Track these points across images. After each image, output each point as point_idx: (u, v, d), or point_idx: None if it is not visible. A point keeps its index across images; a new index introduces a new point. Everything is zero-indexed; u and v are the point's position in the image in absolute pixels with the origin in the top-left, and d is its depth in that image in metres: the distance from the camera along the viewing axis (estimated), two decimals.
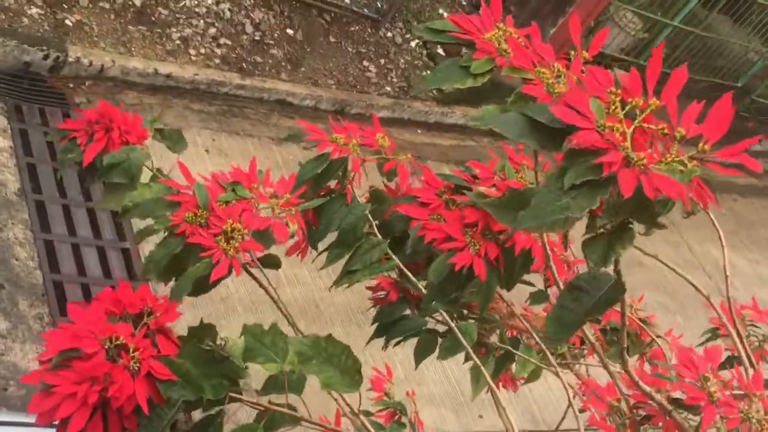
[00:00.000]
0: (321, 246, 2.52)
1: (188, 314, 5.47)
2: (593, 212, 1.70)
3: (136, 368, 1.90)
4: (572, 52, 1.92)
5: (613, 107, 1.61)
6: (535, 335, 2.72)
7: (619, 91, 1.63)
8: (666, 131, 1.59)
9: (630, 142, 1.56)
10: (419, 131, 8.68)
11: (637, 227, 1.78)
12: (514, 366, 2.97)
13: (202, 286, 2.20)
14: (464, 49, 2.05)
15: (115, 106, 2.61)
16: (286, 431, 2.07)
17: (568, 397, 2.68)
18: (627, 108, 1.61)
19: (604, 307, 1.82)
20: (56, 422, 1.93)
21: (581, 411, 2.48)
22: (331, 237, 2.49)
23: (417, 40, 9.23)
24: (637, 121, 1.60)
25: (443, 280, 2.25)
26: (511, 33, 2.02)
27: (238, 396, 1.98)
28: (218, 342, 2.08)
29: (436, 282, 2.25)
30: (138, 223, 2.44)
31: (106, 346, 1.92)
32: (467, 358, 2.64)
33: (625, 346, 2.10)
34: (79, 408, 1.87)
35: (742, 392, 2.05)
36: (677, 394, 2.06)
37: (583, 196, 1.56)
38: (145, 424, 1.93)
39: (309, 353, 2.04)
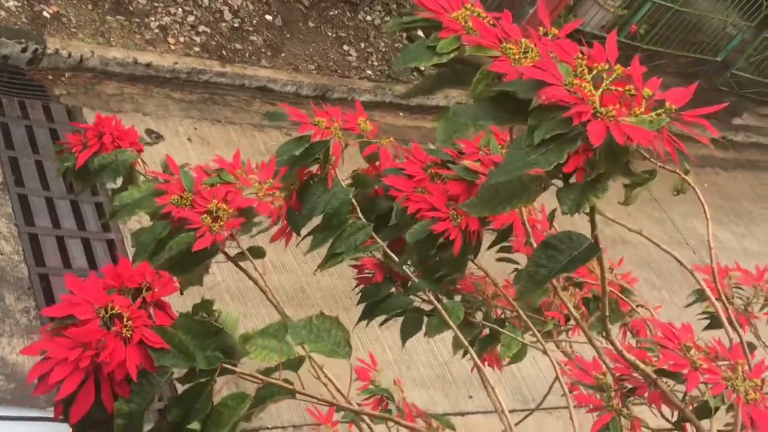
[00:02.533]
0: (304, 231, 2.54)
1: (175, 303, 5.48)
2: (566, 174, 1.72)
3: (129, 335, 1.93)
4: (540, 29, 1.92)
5: (580, 70, 1.64)
6: (520, 312, 2.73)
7: (585, 58, 1.66)
8: (633, 92, 1.63)
9: (598, 100, 1.59)
10: (401, 114, 8.68)
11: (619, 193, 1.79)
12: (499, 347, 2.99)
13: (187, 261, 2.21)
14: None
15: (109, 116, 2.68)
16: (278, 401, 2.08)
17: (556, 373, 2.70)
18: (593, 73, 1.64)
19: (578, 263, 1.83)
20: (50, 413, 1.96)
21: (571, 392, 2.50)
22: (315, 222, 2.50)
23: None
24: (605, 82, 1.63)
25: (419, 242, 2.28)
26: (479, 12, 2.02)
27: (231, 367, 1.99)
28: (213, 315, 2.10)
29: (413, 242, 2.28)
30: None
31: (101, 315, 1.96)
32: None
33: (607, 314, 2.11)
34: (71, 373, 1.91)
35: (725, 361, 2.08)
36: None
37: (551, 151, 1.58)
38: (136, 390, 1.96)
39: (302, 333, 2.06)
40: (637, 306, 3.07)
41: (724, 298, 2.51)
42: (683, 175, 2.10)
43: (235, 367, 2.00)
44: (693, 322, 2.84)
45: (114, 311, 1.96)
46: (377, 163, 2.57)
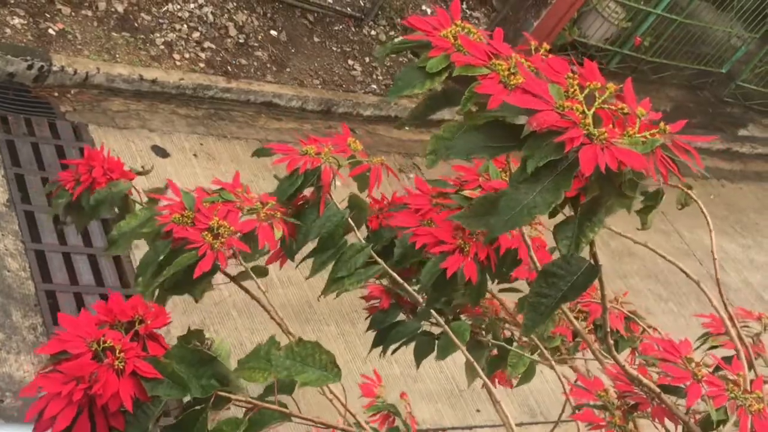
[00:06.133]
0: (300, 254, 2.55)
1: (181, 320, 5.48)
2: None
3: (121, 367, 1.94)
4: (532, 44, 1.91)
5: (572, 90, 1.62)
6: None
7: (576, 76, 1.65)
8: (627, 110, 1.62)
9: (592, 120, 1.58)
10: (407, 128, 8.69)
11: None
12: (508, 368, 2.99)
13: (187, 281, 2.21)
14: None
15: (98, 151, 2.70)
16: (275, 427, 2.08)
17: (564, 389, 2.69)
18: (586, 91, 1.63)
19: (579, 290, 1.82)
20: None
21: (578, 407, 2.50)
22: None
23: (401, 37, 9.22)
24: (598, 100, 1.62)
25: (437, 281, 2.27)
26: (469, 29, 2.00)
27: (226, 394, 1.99)
28: (205, 343, 2.11)
29: (429, 284, 2.27)
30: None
31: (93, 349, 1.96)
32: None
33: (608, 330, 2.10)
34: (65, 407, 1.91)
35: (725, 375, 2.07)
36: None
37: (547, 190, 1.57)
38: (131, 422, 1.96)
39: (286, 363, 2.06)
40: (648, 327, 3.07)
41: (734, 332, 2.48)
42: (686, 190, 2.10)
43: (231, 395, 2.00)
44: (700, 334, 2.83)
45: (106, 344, 1.96)
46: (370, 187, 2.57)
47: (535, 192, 1.57)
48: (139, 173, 2.70)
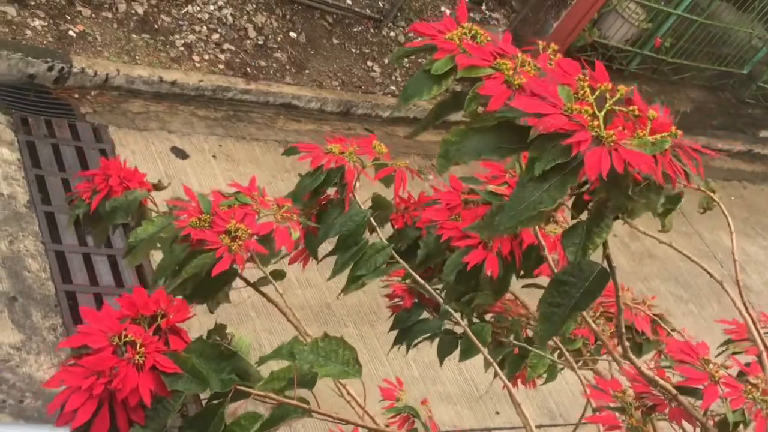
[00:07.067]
0: (321, 251, 2.56)
1: (200, 320, 5.47)
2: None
3: (141, 362, 1.95)
4: (540, 43, 1.90)
5: (582, 92, 1.61)
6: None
7: (587, 78, 1.64)
8: (638, 112, 1.60)
9: (602, 122, 1.57)
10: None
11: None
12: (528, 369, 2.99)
13: (207, 286, 2.21)
14: None
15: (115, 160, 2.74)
16: (293, 422, 2.08)
17: (585, 392, 2.68)
18: (597, 93, 1.62)
19: (592, 297, 1.80)
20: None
21: (596, 410, 2.49)
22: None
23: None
24: (609, 102, 1.61)
25: (459, 275, 2.28)
26: (476, 31, 2.00)
27: (245, 389, 1.99)
28: (226, 338, 2.12)
29: (451, 276, 2.28)
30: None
31: (115, 343, 1.98)
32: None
33: (623, 332, 2.09)
34: (85, 401, 1.93)
35: (746, 378, 2.05)
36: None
37: (554, 187, 1.56)
38: (151, 416, 1.97)
39: (310, 357, 2.06)
40: (673, 330, 3.05)
41: (756, 333, 2.45)
42: (710, 193, 2.08)
43: (251, 389, 2.01)
44: (722, 336, 2.81)
45: (128, 338, 1.98)
46: (400, 195, 2.58)
47: (542, 190, 1.57)
48: (155, 186, 2.72)
